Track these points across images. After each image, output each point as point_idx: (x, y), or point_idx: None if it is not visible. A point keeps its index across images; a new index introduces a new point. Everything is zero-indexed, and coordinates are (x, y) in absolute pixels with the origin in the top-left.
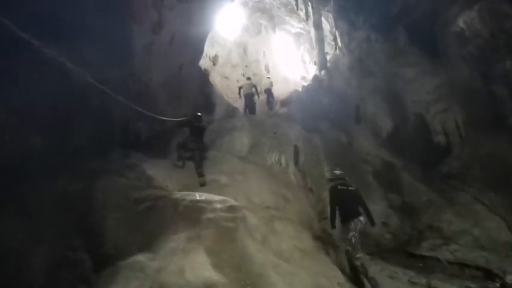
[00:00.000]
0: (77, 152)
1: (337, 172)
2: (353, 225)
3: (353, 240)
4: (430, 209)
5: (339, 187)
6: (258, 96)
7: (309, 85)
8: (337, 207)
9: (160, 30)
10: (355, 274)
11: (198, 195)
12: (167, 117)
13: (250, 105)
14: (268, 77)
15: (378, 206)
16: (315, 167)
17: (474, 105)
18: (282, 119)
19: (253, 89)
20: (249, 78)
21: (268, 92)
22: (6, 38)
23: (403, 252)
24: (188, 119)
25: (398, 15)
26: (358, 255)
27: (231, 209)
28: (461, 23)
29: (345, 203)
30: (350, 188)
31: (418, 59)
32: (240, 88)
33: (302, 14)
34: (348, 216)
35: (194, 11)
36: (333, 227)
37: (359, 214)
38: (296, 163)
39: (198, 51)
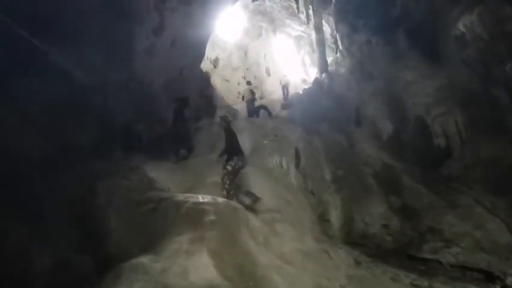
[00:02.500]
0: (79, 153)
1: (229, 115)
2: (236, 160)
3: (230, 169)
4: (430, 211)
5: (231, 128)
6: (256, 99)
7: (309, 88)
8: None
9: (162, 32)
10: (227, 193)
11: (201, 198)
12: (167, 120)
13: (251, 110)
14: (285, 75)
15: (378, 209)
16: (316, 170)
17: (474, 108)
18: (283, 122)
19: (253, 95)
20: (249, 83)
21: (286, 86)
22: (8, 40)
23: (404, 255)
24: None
25: (398, 19)
26: (229, 182)
27: (234, 211)
28: (461, 26)
29: (234, 141)
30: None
31: (418, 62)
32: (243, 96)
33: (303, 17)
34: (234, 152)
35: (195, 13)
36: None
37: (242, 153)
38: (297, 166)
39: (199, 54)
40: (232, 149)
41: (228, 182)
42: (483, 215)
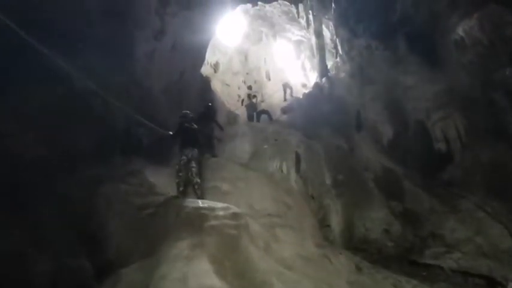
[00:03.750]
0: (79, 158)
1: (186, 113)
2: (186, 152)
3: (182, 162)
4: (432, 216)
5: (185, 125)
6: (255, 104)
7: (309, 92)
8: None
9: (162, 37)
10: (176, 185)
11: (201, 202)
12: (167, 125)
13: (251, 115)
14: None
15: (379, 213)
16: (316, 174)
17: (475, 112)
18: (283, 126)
19: (254, 100)
20: (249, 87)
21: (287, 85)
22: (10, 47)
23: (406, 260)
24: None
25: (398, 24)
26: (180, 173)
27: (234, 216)
28: (460, 31)
29: (186, 136)
30: (193, 126)
31: (418, 66)
32: (242, 100)
33: (303, 21)
34: (185, 145)
35: (196, 18)
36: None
37: (193, 146)
38: (297, 170)
39: (200, 58)
40: (185, 142)
41: (178, 174)
42: (484, 220)
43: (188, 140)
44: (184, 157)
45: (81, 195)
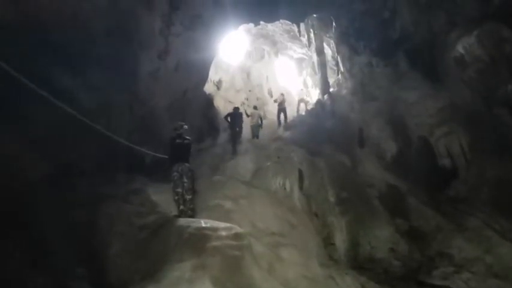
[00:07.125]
0: (81, 175)
1: (180, 125)
2: (176, 167)
3: (175, 178)
4: (439, 234)
5: (177, 141)
6: (261, 125)
7: (312, 109)
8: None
9: (167, 56)
10: (176, 203)
11: (203, 222)
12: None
13: (256, 134)
14: (302, 89)
15: (384, 231)
16: (320, 191)
17: (478, 128)
18: (286, 143)
19: (259, 120)
20: (255, 108)
21: (302, 100)
22: (12, 60)
23: (413, 281)
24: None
25: (398, 41)
26: (178, 189)
27: (237, 236)
28: (460, 48)
29: (177, 152)
30: (186, 140)
31: (420, 82)
32: (247, 115)
33: (304, 40)
34: (176, 160)
35: (199, 38)
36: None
37: (184, 160)
38: (300, 187)
39: (203, 76)
40: (177, 157)
41: (176, 191)
42: (493, 238)
43: (179, 155)
44: (176, 173)
45: (83, 214)
